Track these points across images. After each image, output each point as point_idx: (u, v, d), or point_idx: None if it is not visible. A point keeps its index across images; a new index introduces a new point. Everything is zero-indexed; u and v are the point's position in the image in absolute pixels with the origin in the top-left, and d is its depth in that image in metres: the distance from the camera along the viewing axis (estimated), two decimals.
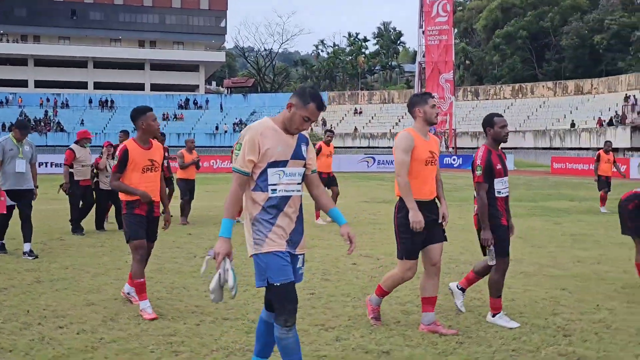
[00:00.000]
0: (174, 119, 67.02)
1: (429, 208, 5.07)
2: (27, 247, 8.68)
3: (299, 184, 3.81)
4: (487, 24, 72.54)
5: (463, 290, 5.74)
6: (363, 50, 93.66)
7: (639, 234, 6.61)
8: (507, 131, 5.44)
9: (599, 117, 47.74)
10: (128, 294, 6.10)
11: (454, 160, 42.98)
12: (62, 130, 61.65)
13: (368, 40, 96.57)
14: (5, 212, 8.65)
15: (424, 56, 51.09)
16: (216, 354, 4.61)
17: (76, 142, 11.44)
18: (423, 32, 50.89)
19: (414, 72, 58.67)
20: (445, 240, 5.24)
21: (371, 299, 5.41)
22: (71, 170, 11.08)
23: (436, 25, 50.44)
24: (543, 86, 60.09)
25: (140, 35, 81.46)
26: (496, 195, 5.30)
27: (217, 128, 64.56)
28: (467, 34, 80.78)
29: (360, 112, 66.27)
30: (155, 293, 6.42)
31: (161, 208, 6.19)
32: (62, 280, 7.06)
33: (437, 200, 5.29)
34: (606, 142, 16.12)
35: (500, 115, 5.46)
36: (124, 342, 4.86)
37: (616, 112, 47.21)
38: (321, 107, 3.72)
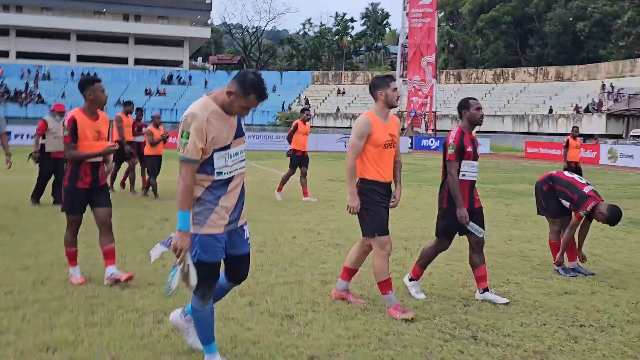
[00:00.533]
0: (157, 94, 66.63)
1: (387, 190, 5.13)
2: None
3: (242, 160, 3.82)
4: (472, 8, 72.63)
5: (487, 289, 5.57)
6: (349, 30, 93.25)
7: (552, 214, 6.98)
8: (482, 113, 5.50)
9: (576, 104, 48.24)
10: (111, 275, 5.84)
11: (431, 142, 43.43)
12: (42, 102, 60.82)
13: (355, 21, 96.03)
14: None
15: (407, 38, 51.18)
16: (130, 315, 4.86)
17: (50, 113, 11.28)
18: (407, 15, 50.91)
19: None
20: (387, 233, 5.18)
21: (338, 285, 5.46)
22: (43, 141, 10.97)
23: (420, 8, 50.41)
24: (524, 72, 60.41)
25: (124, 9, 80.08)
26: (460, 177, 5.37)
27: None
28: (452, 17, 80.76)
29: (344, 93, 66.29)
30: (92, 260, 6.65)
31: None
32: (4, 245, 7.28)
33: (394, 181, 5.32)
34: (573, 127, 15.84)
35: (475, 99, 5.54)
36: (46, 303, 5.10)
37: (593, 99, 47.68)
38: (262, 97, 3.63)
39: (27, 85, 65.02)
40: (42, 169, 11.06)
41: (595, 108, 45.80)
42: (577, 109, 47.34)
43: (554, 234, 7.03)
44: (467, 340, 4.56)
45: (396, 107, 5.26)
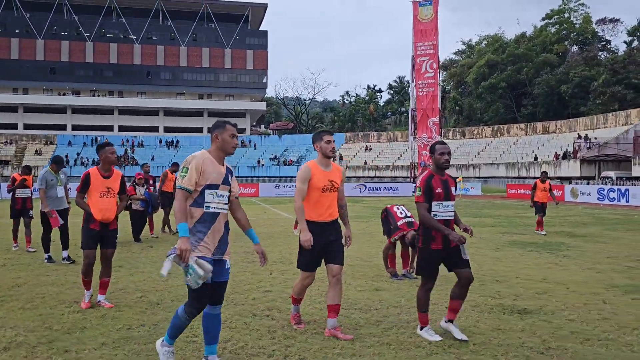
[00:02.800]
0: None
1: (327, 229, 4.90)
2: (65, 253, 9.03)
3: (225, 204, 4.03)
4: (476, 77, 74.48)
5: (452, 321, 4.94)
6: (377, 99, 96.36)
7: (386, 234, 7.97)
8: (447, 158, 4.84)
9: (555, 152, 49.21)
10: (99, 302, 6.05)
11: None
12: (136, 164, 65.26)
13: (382, 91, 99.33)
14: (59, 226, 8.75)
15: (415, 104, 53.60)
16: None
17: (133, 183, 12.08)
18: (415, 85, 53.45)
19: None
20: (342, 264, 4.94)
21: (291, 309, 5.30)
22: (131, 202, 11.74)
23: (425, 80, 52.75)
24: (517, 127, 61.60)
25: (200, 90, 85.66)
26: (432, 216, 4.72)
27: (258, 162, 67.80)
28: (460, 85, 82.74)
29: (370, 149, 68.77)
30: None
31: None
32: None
33: (342, 223, 5.12)
34: (542, 172, 14.92)
35: (443, 143, 4.96)
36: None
37: (568, 148, 48.60)
38: (234, 124, 4.08)
39: (125, 151, 69.83)
40: (133, 219, 11.94)
41: (571, 155, 46.71)
42: (556, 156, 48.29)
43: (386, 249, 7.88)
44: None
45: (331, 157, 4.96)
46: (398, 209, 7.90)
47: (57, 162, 9.14)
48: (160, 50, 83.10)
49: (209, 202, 3.90)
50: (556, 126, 57.62)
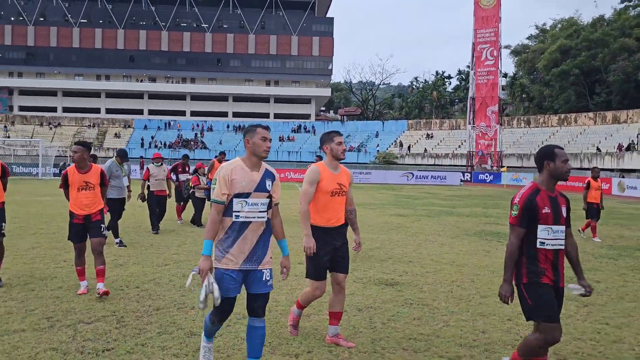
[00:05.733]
0: (288, 140, 73.09)
1: (334, 235, 4.73)
2: (117, 239, 9.76)
3: (262, 212, 3.85)
4: (547, 63, 72.05)
5: None
6: (446, 85, 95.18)
7: None
8: (569, 167, 3.81)
9: (619, 143, 47.41)
10: (98, 289, 6.28)
11: (486, 176, 45.06)
12: (205, 148, 68.80)
13: (452, 77, 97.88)
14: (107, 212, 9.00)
15: (474, 92, 53.24)
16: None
17: (152, 161, 12.08)
18: (474, 73, 53.09)
19: None
20: (346, 272, 4.81)
21: (292, 309, 5.12)
22: (148, 182, 11.65)
23: (485, 67, 52.35)
24: (585, 116, 59.42)
25: (267, 77, 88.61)
26: (538, 245, 3.70)
27: (320, 148, 69.49)
28: (532, 72, 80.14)
29: (432, 137, 68.73)
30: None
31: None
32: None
33: (352, 229, 5.03)
34: (593, 168, 12.69)
35: (561, 148, 3.84)
36: None
37: (633, 139, 46.69)
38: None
39: (195, 135, 73.84)
40: (150, 204, 11.65)
41: (636, 147, 44.92)
42: (620, 147, 46.59)
43: None
44: None
45: (342, 159, 4.75)
46: None
47: (122, 156, 9.94)
48: (230, 38, 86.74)
49: (238, 211, 3.79)
50: (627, 115, 55.11)
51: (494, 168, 51.38)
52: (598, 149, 49.52)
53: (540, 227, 3.69)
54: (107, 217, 9.41)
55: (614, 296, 6.87)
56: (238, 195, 3.78)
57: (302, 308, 5.04)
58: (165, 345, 4.75)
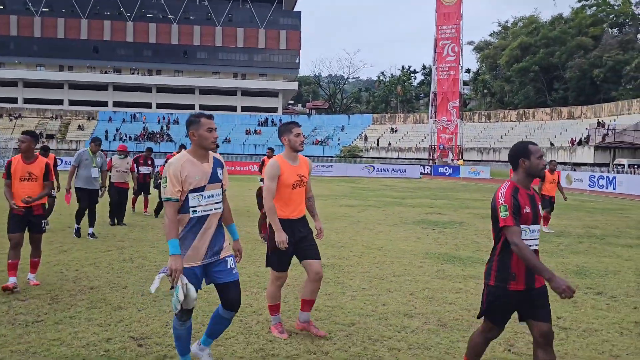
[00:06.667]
0: (254, 134, 73.32)
1: (298, 225, 4.75)
2: (90, 230, 9.70)
3: (217, 202, 3.80)
4: (508, 60, 74.02)
5: None
6: (411, 80, 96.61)
7: (260, 207, 10.79)
8: (545, 163, 3.80)
9: (572, 138, 49.27)
10: (28, 279, 6.39)
11: (445, 169, 46.29)
12: (171, 141, 68.17)
13: (417, 72, 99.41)
14: (69, 204, 9.67)
15: (436, 87, 54.39)
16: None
17: (117, 152, 12.28)
18: (437, 68, 54.19)
19: None
20: (319, 258, 4.81)
21: (271, 320, 4.95)
22: (109, 174, 11.50)
23: (446, 63, 53.42)
24: (542, 111, 61.40)
25: (234, 70, 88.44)
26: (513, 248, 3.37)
27: None
28: (494, 68, 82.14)
29: (396, 130, 69.90)
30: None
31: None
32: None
33: (311, 216, 4.98)
34: (550, 161, 12.71)
35: (534, 144, 3.64)
36: None
37: (584, 134, 48.59)
38: (208, 116, 3.76)
39: (161, 128, 73.47)
40: (110, 195, 11.70)
41: (586, 141, 46.79)
42: (572, 142, 48.42)
43: (261, 219, 9.77)
44: None
45: (300, 150, 4.72)
46: None
47: (95, 141, 9.80)
48: (197, 30, 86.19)
49: (195, 206, 3.69)
50: (581, 111, 57.25)
51: (454, 161, 52.70)
52: (552, 143, 51.31)
53: (521, 227, 3.42)
54: (63, 208, 9.76)
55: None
56: (193, 190, 3.67)
57: (277, 310, 4.87)
58: (92, 318, 5.24)
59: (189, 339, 3.89)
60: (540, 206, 3.60)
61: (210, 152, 3.83)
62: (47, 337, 4.66)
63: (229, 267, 3.80)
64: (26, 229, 6.38)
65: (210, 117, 3.78)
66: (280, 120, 76.34)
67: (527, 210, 3.43)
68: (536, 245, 3.53)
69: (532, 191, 3.57)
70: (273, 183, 4.62)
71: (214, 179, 3.77)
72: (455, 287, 6.82)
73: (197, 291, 3.66)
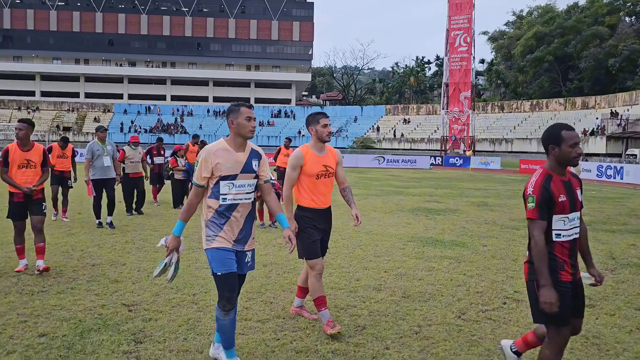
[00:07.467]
0: (267, 125, 73.90)
1: (322, 216, 4.75)
2: (109, 219, 9.92)
3: (248, 193, 3.81)
4: (523, 50, 73.59)
5: (519, 354, 3.91)
6: (425, 71, 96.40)
7: None
8: (580, 152, 3.26)
9: (584, 128, 49.08)
10: (37, 266, 6.43)
11: (456, 160, 46.48)
12: (185, 132, 69.02)
13: (431, 63, 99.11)
14: (93, 196, 9.87)
15: (448, 78, 54.42)
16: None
17: (128, 144, 12.34)
18: (449, 59, 54.21)
19: None
20: (324, 254, 4.83)
21: (321, 318, 4.74)
22: (123, 165, 11.90)
23: (458, 54, 53.39)
24: (556, 102, 61.11)
25: (247, 61, 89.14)
26: (554, 239, 3.24)
27: (299, 132, 70.54)
28: (509, 58, 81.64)
29: (409, 122, 70.04)
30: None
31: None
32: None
33: (348, 205, 4.89)
34: None
35: (572, 128, 3.31)
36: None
37: (598, 124, 48.36)
38: (249, 105, 3.81)
39: (175, 120, 74.49)
40: (125, 186, 11.91)
41: (599, 131, 46.60)
42: (584, 132, 48.24)
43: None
44: None
45: (327, 141, 4.69)
46: None
47: (100, 130, 10.08)
48: (210, 22, 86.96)
49: (225, 194, 3.73)
50: (595, 101, 56.90)
51: (465, 152, 52.81)
52: None
53: (555, 217, 3.21)
54: (73, 196, 10.49)
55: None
56: (224, 178, 3.71)
57: (324, 303, 4.71)
58: (91, 289, 5.89)
59: (233, 332, 3.87)
60: (578, 191, 3.34)
61: (249, 142, 3.88)
62: (49, 304, 5.31)
63: (246, 260, 3.87)
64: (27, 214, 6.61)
65: (251, 106, 3.85)
66: (292, 111, 77.02)
67: (562, 198, 3.21)
68: (576, 234, 3.30)
69: (567, 177, 3.31)
70: (294, 172, 4.65)
71: (247, 169, 3.79)
72: (429, 266, 7.34)
73: (235, 271, 3.72)
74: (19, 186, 6.38)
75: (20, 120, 6.44)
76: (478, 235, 9.96)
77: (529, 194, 3.21)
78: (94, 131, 10.67)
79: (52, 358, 4.03)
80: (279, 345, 4.37)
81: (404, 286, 6.25)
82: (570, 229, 3.24)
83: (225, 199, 3.71)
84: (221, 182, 3.69)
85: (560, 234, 3.21)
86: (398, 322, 5.01)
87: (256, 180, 3.86)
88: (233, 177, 3.72)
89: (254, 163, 3.82)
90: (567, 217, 3.22)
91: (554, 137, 3.25)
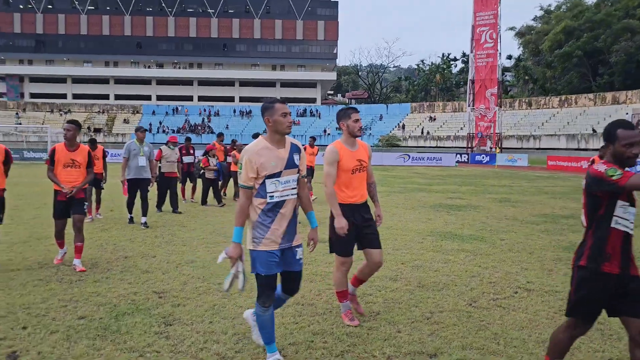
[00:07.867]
0: (293, 124, 73.49)
1: (361, 210, 4.79)
2: (143, 219, 9.97)
3: (293, 188, 3.81)
4: (551, 45, 72.52)
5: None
6: (451, 68, 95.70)
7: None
8: (636, 152, 3.10)
9: None
10: (73, 265, 6.68)
11: (483, 157, 46.20)
12: (212, 132, 69.47)
13: (457, 60, 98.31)
14: (127, 195, 10.13)
15: (474, 75, 54.03)
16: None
17: (166, 144, 12.52)
18: (474, 56, 53.84)
19: None
20: (379, 247, 4.84)
21: (341, 308, 4.98)
22: (159, 164, 11.90)
23: (484, 50, 53.04)
24: (585, 97, 60.05)
25: (273, 61, 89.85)
26: (612, 224, 3.14)
27: (325, 131, 70.78)
28: (535, 54, 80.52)
29: (435, 119, 69.71)
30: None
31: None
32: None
33: (372, 201, 4.99)
34: (602, 146, 10.38)
35: (630, 127, 3.14)
36: None
37: (631, 119, 47.44)
38: (282, 101, 3.79)
39: (203, 120, 75.57)
40: (159, 185, 12.06)
41: None
42: None
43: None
44: None
45: (358, 136, 4.75)
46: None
47: (139, 130, 10.25)
48: (236, 23, 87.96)
49: (272, 192, 3.72)
50: (627, 96, 55.78)
51: (492, 150, 52.39)
52: (594, 129, 50.36)
53: (619, 202, 3.11)
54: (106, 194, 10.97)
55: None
56: (270, 176, 3.69)
57: (345, 296, 4.91)
58: (124, 278, 6.32)
59: (273, 327, 3.90)
60: None
61: (287, 137, 3.87)
62: (87, 291, 5.75)
63: (297, 257, 3.88)
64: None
65: (284, 102, 3.85)
66: (317, 111, 77.40)
67: None
68: (632, 230, 3.16)
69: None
70: (333, 168, 4.65)
71: (290, 164, 3.78)
72: (446, 258, 7.58)
73: (277, 273, 3.79)
74: (61, 184, 6.62)
75: (68, 122, 6.71)
76: (497, 230, 10.13)
77: (606, 168, 3.05)
78: (134, 131, 10.67)
79: (91, 337, 4.44)
80: (297, 328, 4.70)
81: (419, 277, 6.51)
82: (627, 221, 3.14)
83: (273, 196, 3.71)
84: (267, 181, 3.69)
85: (618, 221, 3.12)
86: (411, 308, 5.29)
87: (298, 174, 3.86)
88: (278, 175, 3.72)
89: (295, 157, 3.83)
90: (627, 207, 3.12)
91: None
